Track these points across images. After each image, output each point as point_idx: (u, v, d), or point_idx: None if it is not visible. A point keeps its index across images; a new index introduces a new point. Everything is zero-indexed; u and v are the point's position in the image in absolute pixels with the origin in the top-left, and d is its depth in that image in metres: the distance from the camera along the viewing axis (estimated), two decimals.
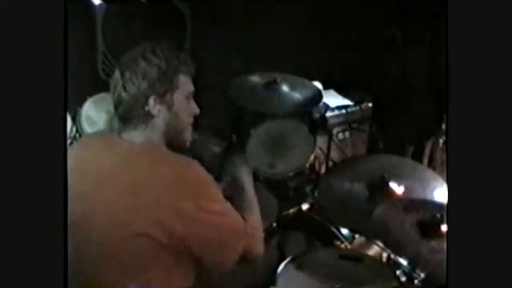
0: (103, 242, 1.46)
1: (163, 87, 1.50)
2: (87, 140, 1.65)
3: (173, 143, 1.56)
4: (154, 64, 1.49)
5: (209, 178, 1.50)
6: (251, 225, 1.59)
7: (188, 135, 1.62)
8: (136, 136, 1.53)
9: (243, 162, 1.82)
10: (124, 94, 1.50)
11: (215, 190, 1.50)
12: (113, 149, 1.52)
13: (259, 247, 1.60)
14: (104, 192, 1.46)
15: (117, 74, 1.52)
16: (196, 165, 1.49)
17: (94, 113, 2.82)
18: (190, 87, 1.58)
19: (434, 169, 2.81)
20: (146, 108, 1.50)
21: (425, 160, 3.06)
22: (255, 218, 1.65)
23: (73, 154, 1.59)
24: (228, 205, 1.52)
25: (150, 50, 1.51)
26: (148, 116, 1.51)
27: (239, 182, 1.75)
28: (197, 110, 1.61)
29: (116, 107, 1.53)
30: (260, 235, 1.64)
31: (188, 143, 1.62)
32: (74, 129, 2.76)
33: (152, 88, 1.49)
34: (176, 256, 1.47)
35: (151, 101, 1.50)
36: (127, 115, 1.52)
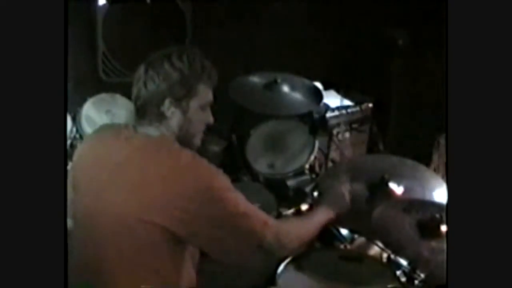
0: (114, 233, 1.47)
1: (182, 92, 1.52)
2: (103, 131, 1.67)
3: (184, 145, 1.57)
4: (177, 68, 1.52)
5: (217, 170, 1.51)
6: (282, 230, 1.60)
7: (198, 141, 1.63)
8: (151, 131, 1.55)
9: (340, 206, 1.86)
10: (143, 91, 1.53)
11: (224, 181, 1.50)
12: (128, 141, 1.54)
13: (282, 238, 1.59)
14: (118, 182, 1.48)
15: (141, 69, 1.55)
16: (204, 161, 1.50)
17: (94, 114, 2.82)
18: (209, 97, 1.60)
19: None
20: (161, 108, 1.52)
21: (436, 160, 3.05)
22: (291, 230, 1.66)
23: (88, 144, 1.66)
24: (239, 193, 1.52)
25: (177, 54, 1.53)
26: (162, 116, 1.53)
27: (317, 209, 1.83)
28: (211, 120, 1.63)
29: (135, 101, 1.56)
30: (282, 229, 1.61)
31: (196, 147, 1.63)
32: (74, 129, 2.76)
33: (171, 90, 1.51)
34: (184, 251, 1.50)
35: (166, 102, 1.52)
36: (143, 110, 1.54)
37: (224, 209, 1.46)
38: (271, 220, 1.58)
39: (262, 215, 1.56)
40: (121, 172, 1.48)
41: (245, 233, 1.51)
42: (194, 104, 1.56)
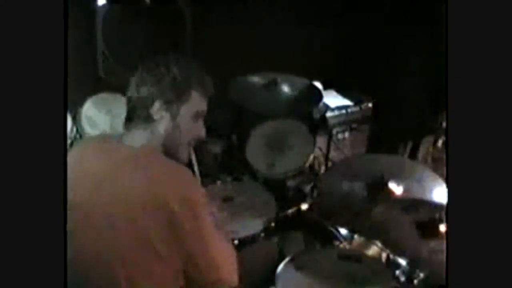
0: (98, 245, 1.46)
1: (172, 95, 1.52)
2: (86, 144, 1.66)
3: (170, 157, 1.56)
4: (171, 72, 1.52)
5: (200, 187, 1.52)
6: (227, 252, 1.59)
7: (185, 154, 1.61)
8: (135, 138, 1.53)
9: None
10: (135, 93, 1.54)
11: (205, 200, 1.50)
12: (110, 154, 1.53)
13: (234, 279, 1.58)
14: (100, 196, 1.47)
15: (137, 74, 1.55)
16: (189, 173, 1.50)
17: (94, 113, 2.82)
18: (201, 107, 1.59)
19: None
20: (150, 110, 1.52)
21: (419, 158, 3.07)
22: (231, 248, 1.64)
23: (71, 158, 1.58)
24: (213, 220, 1.52)
25: (174, 60, 1.54)
26: (150, 119, 1.52)
27: None
28: (202, 134, 1.62)
29: (126, 104, 1.57)
30: (235, 266, 1.60)
31: (183, 161, 1.61)
32: (74, 129, 2.76)
33: (161, 93, 1.51)
34: (168, 266, 1.47)
35: (156, 104, 1.51)
36: (132, 113, 1.54)
37: (198, 228, 1.45)
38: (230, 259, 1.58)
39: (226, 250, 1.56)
40: (103, 186, 1.47)
41: (206, 263, 1.49)
42: (185, 110, 1.55)
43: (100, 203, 1.46)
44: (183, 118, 1.55)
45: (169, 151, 1.56)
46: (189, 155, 1.65)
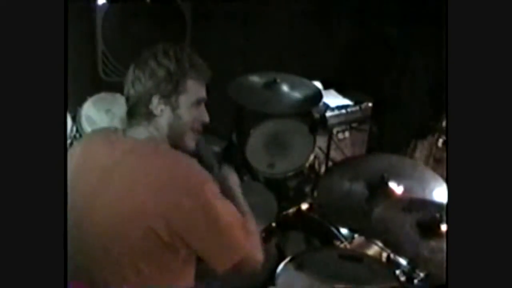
0: (104, 237, 1.46)
1: (169, 88, 1.51)
2: (91, 136, 1.65)
3: (176, 147, 1.56)
4: (162, 65, 1.50)
5: (207, 175, 1.49)
6: (249, 229, 1.55)
7: (190, 140, 1.60)
8: (139, 133, 1.53)
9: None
10: (132, 91, 1.52)
11: (214, 188, 1.49)
12: (115, 145, 1.53)
13: (258, 254, 1.56)
14: (106, 188, 1.47)
15: (130, 71, 1.54)
16: (195, 163, 1.49)
17: (94, 113, 2.82)
18: (200, 93, 1.57)
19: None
20: (150, 106, 1.51)
21: (419, 157, 3.08)
22: (252, 223, 1.60)
23: (77, 150, 1.61)
24: (227, 202, 1.51)
25: (162, 51, 1.52)
26: (151, 115, 1.52)
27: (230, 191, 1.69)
28: (206, 118, 1.61)
29: (126, 102, 1.56)
30: (258, 241, 1.59)
31: (190, 149, 1.60)
32: (74, 129, 2.76)
33: (157, 87, 1.50)
34: (176, 256, 1.47)
35: (154, 100, 1.50)
36: (132, 111, 1.54)
37: (212, 217, 1.43)
38: (252, 235, 1.54)
39: (247, 228, 1.52)
40: (109, 177, 1.47)
41: (230, 244, 1.47)
42: (184, 100, 1.54)
43: (106, 195, 1.46)
44: (184, 108, 1.54)
45: (175, 141, 1.56)
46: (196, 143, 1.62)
